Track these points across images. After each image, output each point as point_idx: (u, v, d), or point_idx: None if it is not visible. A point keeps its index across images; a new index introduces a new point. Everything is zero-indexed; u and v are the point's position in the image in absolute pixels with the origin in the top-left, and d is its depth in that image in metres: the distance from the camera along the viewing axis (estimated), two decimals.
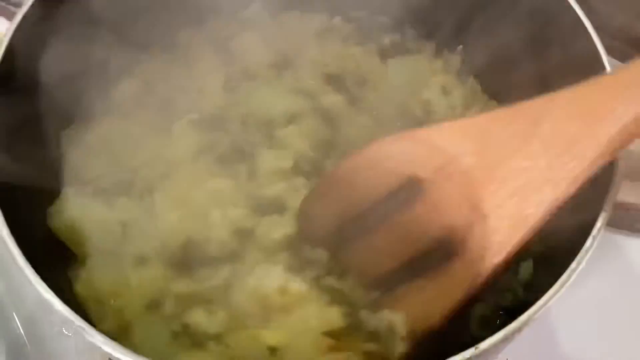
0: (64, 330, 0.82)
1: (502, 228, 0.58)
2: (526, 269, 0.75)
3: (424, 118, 0.83)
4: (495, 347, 0.54)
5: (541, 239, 0.74)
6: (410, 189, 0.65)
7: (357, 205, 0.68)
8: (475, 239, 0.59)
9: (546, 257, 0.73)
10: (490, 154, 0.59)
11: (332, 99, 0.82)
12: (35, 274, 0.56)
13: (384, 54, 0.87)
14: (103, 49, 0.76)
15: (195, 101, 0.82)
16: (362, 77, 0.85)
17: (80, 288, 0.71)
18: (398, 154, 0.66)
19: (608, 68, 0.67)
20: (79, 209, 0.73)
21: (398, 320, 0.65)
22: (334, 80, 0.84)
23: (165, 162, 0.77)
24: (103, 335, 0.53)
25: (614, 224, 0.88)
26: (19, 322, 0.83)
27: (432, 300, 0.62)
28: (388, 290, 0.66)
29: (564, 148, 0.55)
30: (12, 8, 1.01)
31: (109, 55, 0.77)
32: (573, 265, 0.58)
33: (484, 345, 0.54)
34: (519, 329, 0.55)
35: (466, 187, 0.60)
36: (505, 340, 0.55)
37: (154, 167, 0.77)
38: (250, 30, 0.86)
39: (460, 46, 0.87)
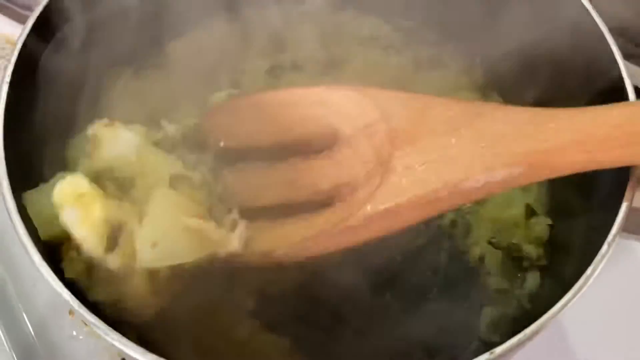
0: (75, 333, 0.82)
1: (397, 185, 0.60)
2: (533, 280, 0.75)
3: None
4: (510, 351, 0.54)
5: (548, 251, 0.75)
6: (324, 139, 0.67)
7: (265, 136, 0.69)
8: (365, 192, 0.62)
9: (553, 269, 0.73)
10: (423, 126, 0.62)
11: None
12: (50, 271, 0.57)
13: (418, 67, 0.89)
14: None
15: (239, 79, 0.85)
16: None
17: None
18: (334, 103, 0.67)
19: (625, 74, 0.68)
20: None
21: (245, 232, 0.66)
22: None
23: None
24: (117, 333, 0.53)
25: (628, 230, 0.86)
26: (30, 325, 0.83)
27: (287, 234, 0.65)
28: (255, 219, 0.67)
29: (488, 146, 0.59)
30: (19, 10, 1.03)
31: (166, 14, 0.81)
32: (588, 271, 0.58)
33: (499, 350, 0.54)
34: (534, 334, 0.55)
35: (383, 145, 0.62)
36: (520, 344, 0.55)
37: (182, 125, 0.78)
38: (308, 23, 0.89)
39: (479, 59, 0.87)
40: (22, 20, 0.98)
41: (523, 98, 0.81)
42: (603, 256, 0.59)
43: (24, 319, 0.84)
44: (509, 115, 0.61)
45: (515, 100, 0.82)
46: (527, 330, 0.55)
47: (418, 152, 0.61)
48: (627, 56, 0.94)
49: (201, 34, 0.87)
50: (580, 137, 0.57)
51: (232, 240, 0.65)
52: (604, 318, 0.83)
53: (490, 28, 0.81)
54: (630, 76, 0.67)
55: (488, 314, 0.73)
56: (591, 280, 0.58)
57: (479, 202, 0.79)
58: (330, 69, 0.87)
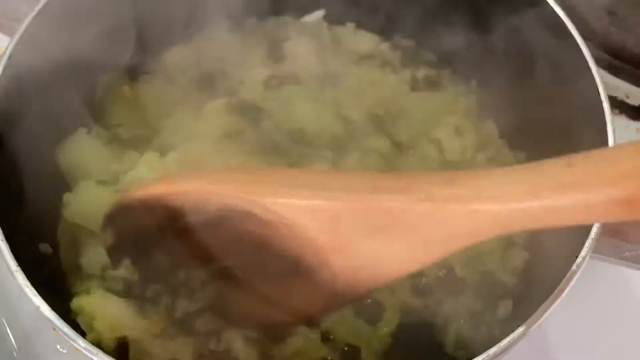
0: (59, 347, 0.82)
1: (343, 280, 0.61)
2: (505, 308, 0.74)
3: (439, 158, 0.82)
4: None
5: (523, 281, 0.76)
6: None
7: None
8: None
9: (526, 298, 0.73)
10: (340, 234, 0.58)
11: (377, 143, 0.82)
12: (33, 289, 0.58)
13: (414, 86, 0.88)
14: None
15: (235, 88, 0.85)
16: (393, 110, 0.85)
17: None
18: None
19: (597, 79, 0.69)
20: (90, 149, 0.77)
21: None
22: (376, 119, 0.84)
23: (190, 133, 0.78)
24: (98, 349, 0.55)
25: (602, 252, 0.87)
26: (14, 340, 0.83)
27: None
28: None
29: (416, 241, 0.56)
30: (7, 22, 1.02)
31: (166, 20, 0.82)
32: (555, 292, 0.59)
33: None
34: (501, 352, 0.56)
35: (317, 251, 0.60)
36: None
37: (177, 133, 0.79)
38: (307, 36, 0.89)
39: (475, 82, 0.88)
40: (9, 32, 0.96)
41: (517, 124, 0.83)
42: (570, 277, 0.60)
43: (7, 333, 0.83)
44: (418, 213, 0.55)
45: (509, 125, 0.84)
46: (491, 351, 0.56)
47: (350, 258, 0.59)
48: (614, 70, 0.96)
49: (199, 42, 0.87)
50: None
51: None
52: (582, 344, 0.83)
53: (487, 54, 0.82)
54: (615, 89, 0.67)
55: (455, 331, 0.73)
56: (559, 300, 0.59)
57: None
58: (327, 84, 0.86)
